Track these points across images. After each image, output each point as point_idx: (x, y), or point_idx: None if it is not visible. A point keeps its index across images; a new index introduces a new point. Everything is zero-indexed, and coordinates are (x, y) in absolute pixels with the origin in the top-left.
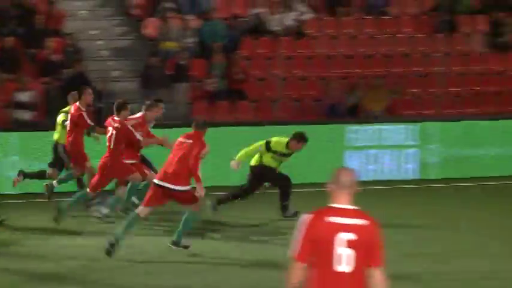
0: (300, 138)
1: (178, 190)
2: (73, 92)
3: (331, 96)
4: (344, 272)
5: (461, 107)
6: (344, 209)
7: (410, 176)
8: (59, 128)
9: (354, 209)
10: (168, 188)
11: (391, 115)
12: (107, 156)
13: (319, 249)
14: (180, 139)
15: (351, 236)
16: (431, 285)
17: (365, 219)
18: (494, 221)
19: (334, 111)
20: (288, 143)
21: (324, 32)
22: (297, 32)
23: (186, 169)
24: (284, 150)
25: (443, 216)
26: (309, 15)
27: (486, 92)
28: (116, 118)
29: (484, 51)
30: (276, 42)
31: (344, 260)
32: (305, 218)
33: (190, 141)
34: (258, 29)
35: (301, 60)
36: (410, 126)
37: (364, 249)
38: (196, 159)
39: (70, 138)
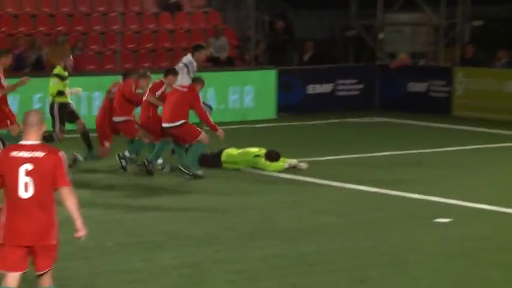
0: (276, 157)
1: (174, 126)
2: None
3: (18, 51)
4: (26, 198)
5: (137, 62)
6: (28, 144)
7: None
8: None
9: (36, 144)
10: (167, 127)
11: (75, 70)
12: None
13: (7, 181)
14: (175, 87)
15: (30, 166)
16: None
17: (43, 151)
18: None
19: (20, 66)
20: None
21: None
22: None
23: (178, 111)
24: None
25: None
26: None
27: (159, 48)
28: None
29: (156, 11)
30: None
31: (25, 187)
32: None
33: (185, 89)
34: None
35: None
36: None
37: (43, 176)
38: (202, 111)
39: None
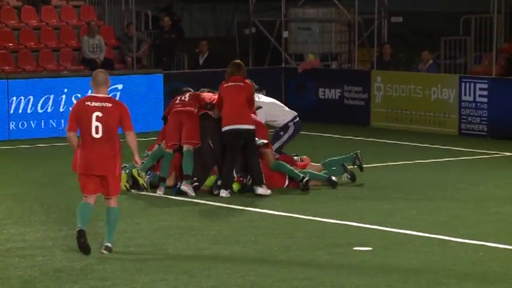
0: None
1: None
2: None
3: None
4: (97, 138)
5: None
6: (98, 96)
7: None
8: None
9: (104, 96)
10: None
11: None
12: None
13: (82, 123)
14: None
15: (100, 113)
16: None
17: (110, 102)
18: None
19: None
20: None
21: None
22: None
23: None
24: None
25: None
26: None
27: (22, 48)
28: None
29: (18, 4)
30: None
31: (96, 129)
32: (74, 103)
33: None
34: None
35: None
36: None
37: (110, 122)
38: None
39: None
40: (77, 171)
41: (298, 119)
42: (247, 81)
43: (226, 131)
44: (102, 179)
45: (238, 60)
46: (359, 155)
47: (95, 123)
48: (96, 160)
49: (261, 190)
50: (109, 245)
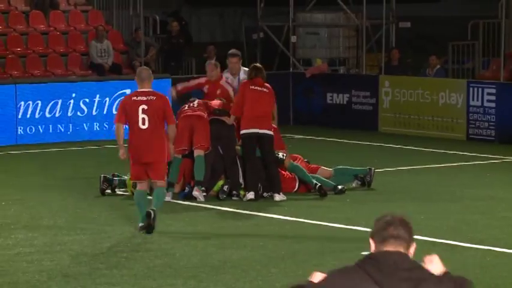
0: None
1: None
2: None
3: None
4: (144, 129)
5: (4, 69)
6: (143, 91)
7: None
8: None
9: (149, 91)
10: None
11: None
12: None
13: (130, 116)
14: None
15: (145, 106)
16: None
17: (154, 96)
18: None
19: None
20: None
21: None
22: None
23: None
24: None
25: None
26: None
27: (31, 53)
28: None
29: (26, 9)
30: None
31: (143, 121)
32: (122, 98)
33: None
34: None
35: None
36: None
37: (155, 114)
38: None
39: None
40: (130, 160)
41: None
42: (269, 86)
43: (244, 134)
44: (150, 165)
45: (257, 64)
46: (372, 171)
47: (141, 116)
48: (144, 149)
49: (279, 197)
50: (154, 208)
